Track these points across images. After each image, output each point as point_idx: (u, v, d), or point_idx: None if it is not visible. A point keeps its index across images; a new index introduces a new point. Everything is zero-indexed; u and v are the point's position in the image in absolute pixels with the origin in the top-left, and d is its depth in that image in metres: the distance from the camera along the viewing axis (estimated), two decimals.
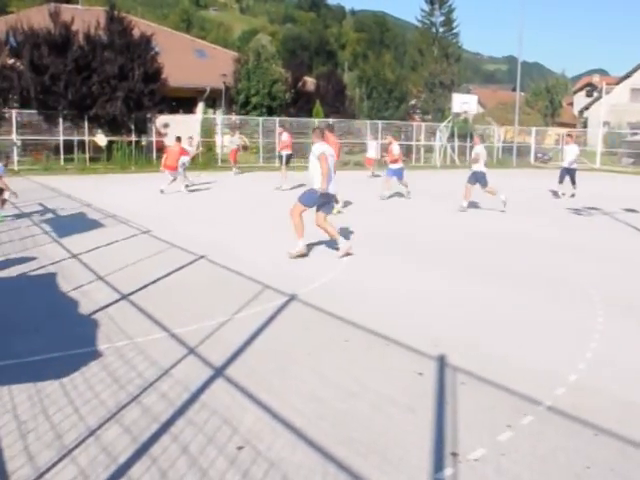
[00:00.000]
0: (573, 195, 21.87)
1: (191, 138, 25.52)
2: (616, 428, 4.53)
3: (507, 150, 47.15)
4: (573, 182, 22.16)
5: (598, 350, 6.22)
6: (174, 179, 20.77)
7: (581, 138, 55.26)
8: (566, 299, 8.28)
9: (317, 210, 10.79)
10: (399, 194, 21.05)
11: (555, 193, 22.44)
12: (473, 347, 6.24)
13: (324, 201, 10.80)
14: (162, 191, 20.20)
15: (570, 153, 22.54)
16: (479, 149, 18.17)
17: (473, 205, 18.39)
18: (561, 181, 22.38)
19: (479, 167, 17.72)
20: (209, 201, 19.19)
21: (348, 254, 10.63)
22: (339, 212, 15.58)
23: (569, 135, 26.36)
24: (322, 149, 10.58)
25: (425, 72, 54.02)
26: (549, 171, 38.21)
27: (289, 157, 23.56)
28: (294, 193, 15.11)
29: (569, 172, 22.24)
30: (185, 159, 21.71)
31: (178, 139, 22.01)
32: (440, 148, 41.95)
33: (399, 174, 20.42)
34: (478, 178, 17.62)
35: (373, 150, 32.36)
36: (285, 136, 23.57)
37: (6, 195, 14.18)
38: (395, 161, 20.27)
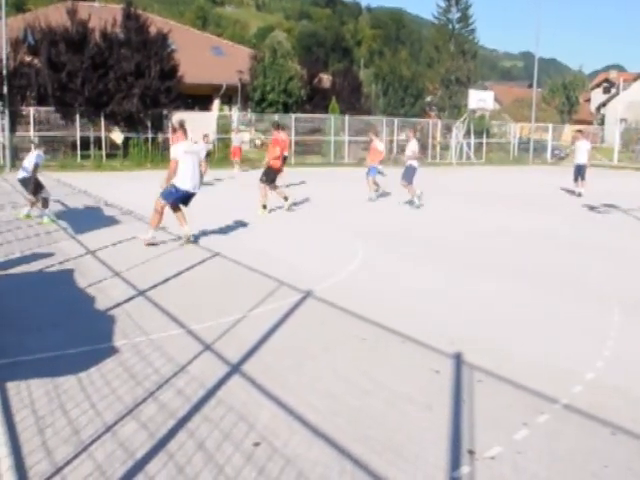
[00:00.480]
0: (580, 194, 21.64)
1: (206, 136, 25.53)
2: (633, 427, 4.51)
3: (523, 147, 46.95)
4: (583, 178, 22.01)
5: (615, 348, 6.18)
6: None
7: (598, 135, 55.02)
8: (583, 297, 8.24)
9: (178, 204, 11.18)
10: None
11: (572, 192, 22.24)
12: (490, 345, 6.22)
13: (186, 198, 11.23)
14: None
15: (581, 149, 22.36)
16: (414, 145, 17.96)
17: (486, 203, 18.31)
18: (576, 179, 22.21)
19: (414, 162, 17.73)
20: (224, 197, 19.22)
21: (152, 244, 11.01)
22: (290, 209, 15.91)
23: (579, 131, 26.10)
24: (176, 150, 11.13)
25: (441, 69, 53.79)
26: (565, 168, 38.04)
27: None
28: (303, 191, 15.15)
29: (580, 168, 22.09)
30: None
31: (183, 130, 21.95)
32: (456, 145, 41.79)
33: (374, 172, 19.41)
34: (408, 171, 17.59)
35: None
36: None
37: (44, 193, 14.04)
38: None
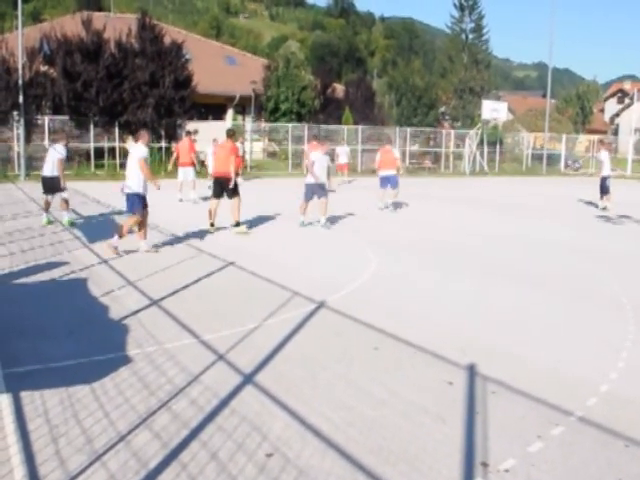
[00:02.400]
0: (599, 207, 20.86)
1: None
2: None
3: (537, 157, 46.82)
4: (602, 192, 20.92)
5: (630, 360, 6.14)
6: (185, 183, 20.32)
7: (612, 145, 54.79)
8: (597, 307, 8.20)
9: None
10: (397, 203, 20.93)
11: (604, 208, 20.72)
12: (503, 356, 6.20)
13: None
14: (181, 200, 20.04)
15: (607, 160, 21.30)
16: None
17: (496, 211, 18.27)
18: (603, 191, 20.98)
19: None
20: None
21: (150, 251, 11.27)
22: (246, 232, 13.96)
23: (601, 141, 25.07)
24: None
25: (455, 79, 53.82)
26: (579, 179, 37.92)
27: None
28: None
29: (604, 180, 20.87)
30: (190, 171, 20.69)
31: (187, 133, 22.05)
32: (469, 155, 41.74)
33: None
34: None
35: (345, 156, 30.33)
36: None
37: (66, 194, 14.20)
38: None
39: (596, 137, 52.29)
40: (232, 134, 14.57)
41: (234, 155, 13.82)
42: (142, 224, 11.47)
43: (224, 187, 13.66)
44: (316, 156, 14.48)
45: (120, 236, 11.14)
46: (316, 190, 14.50)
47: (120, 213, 16.60)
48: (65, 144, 14.68)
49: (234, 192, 13.69)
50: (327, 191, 14.79)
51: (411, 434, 4.51)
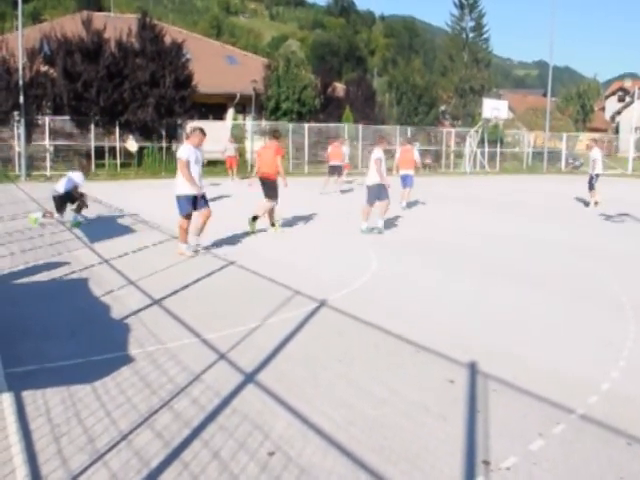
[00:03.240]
0: (588, 204, 21.17)
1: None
2: None
3: (537, 156, 46.84)
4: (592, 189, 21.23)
5: (631, 358, 6.14)
6: None
7: (613, 143, 54.78)
8: (598, 307, 8.20)
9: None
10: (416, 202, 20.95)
11: (596, 203, 21.13)
12: (504, 354, 6.20)
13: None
14: None
15: (598, 158, 21.55)
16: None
17: (496, 210, 18.27)
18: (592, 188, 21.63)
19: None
20: (238, 206, 19.23)
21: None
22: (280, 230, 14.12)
23: (594, 140, 25.30)
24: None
25: (455, 77, 53.89)
26: (580, 177, 37.92)
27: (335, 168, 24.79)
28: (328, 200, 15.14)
29: (593, 178, 21.24)
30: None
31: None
32: (470, 154, 41.74)
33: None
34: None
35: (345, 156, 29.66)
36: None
37: (86, 199, 14.66)
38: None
39: (597, 136, 52.32)
40: (277, 135, 14.47)
41: (280, 156, 13.84)
42: (199, 224, 11.21)
43: (265, 187, 13.71)
44: (381, 154, 14.06)
45: (182, 242, 11.04)
46: (381, 191, 13.97)
47: (120, 212, 16.64)
48: (83, 173, 15.28)
49: (272, 193, 13.62)
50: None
51: (412, 433, 4.52)
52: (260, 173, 13.86)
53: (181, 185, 10.83)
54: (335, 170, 24.76)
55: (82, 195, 14.53)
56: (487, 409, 4.89)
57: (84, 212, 14.81)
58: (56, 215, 14.36)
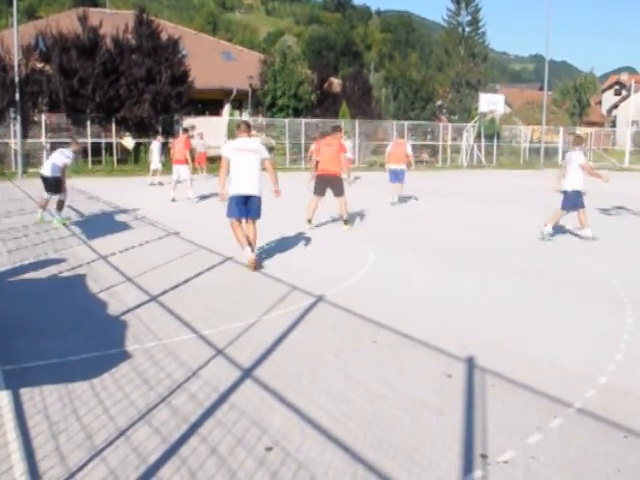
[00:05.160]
0: None
1: (202, 133, 25.50)
2: None
3: (534, 150, 46.82)
4: None
5: (628, 352, 6.15)
6: (180, 180, 19.42)
7: (609, 137, 54.81)
8: (594, 300, 8.20)
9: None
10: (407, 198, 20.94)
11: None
12: (502, 348, 6.21)
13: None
14: (174, 200, 18.96)
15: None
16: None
17: (493, 204, 18.28)
18: None
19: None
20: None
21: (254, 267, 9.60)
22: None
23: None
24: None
25: (452, 72, 53.78)
26: None
27: None
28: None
29: None
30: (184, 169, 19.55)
31: (185, 130, 21.95)
32: (467, 148, 41.74)
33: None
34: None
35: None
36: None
37: (62, 196, 14.08)
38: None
39: (594, 130, 52.33)
40: (339, 129, 14.13)
41: (343, 152, 13.63)
42: (247, 232, 9.87)
43: (332, 186, 13.55)
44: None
45: (244, 247, 9.74)
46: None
47: (117, 208, 16.63)
48: (74, 150, 14.56)
49: (341, 190, 13.56)
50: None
51: (410, 427, 4.52)
52: (321, 170, 13.64)
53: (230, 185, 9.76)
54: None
55: (63, 185, 14.00)
56: (485, 403, 4.90)
57: (81, 210, 14.72)
58: (45, 195, 14.11)
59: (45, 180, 13.96)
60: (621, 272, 9.89)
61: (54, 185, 13.80)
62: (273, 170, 9.75)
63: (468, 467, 3.98)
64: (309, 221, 13.68)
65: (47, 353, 5.89)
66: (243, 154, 9.56)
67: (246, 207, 9.60)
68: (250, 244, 9.67)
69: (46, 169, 14.01)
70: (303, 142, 36.62)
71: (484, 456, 4.10)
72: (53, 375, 5.34)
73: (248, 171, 9.54)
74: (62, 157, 13.79)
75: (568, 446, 4.27)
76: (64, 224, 13.78)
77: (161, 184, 23.43)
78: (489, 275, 9.60)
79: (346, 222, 13.85)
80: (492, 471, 3.93)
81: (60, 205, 14.04)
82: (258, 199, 9.67)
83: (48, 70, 30.95)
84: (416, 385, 5.25)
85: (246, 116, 39.49)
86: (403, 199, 19.60)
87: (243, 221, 9.81)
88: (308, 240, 12.35)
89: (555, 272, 9.89)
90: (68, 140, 29.07)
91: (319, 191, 13.68)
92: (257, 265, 9.60)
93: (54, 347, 6.06)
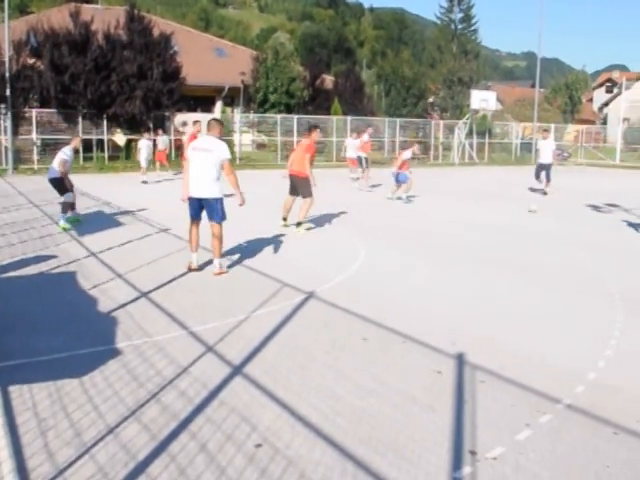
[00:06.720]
0: (545, 193, 21.72)
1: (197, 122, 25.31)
2: (636, 427, 4.51)
3: (525, 147, 46.83)
4: (548, 179, 22.00)
5: (618, 348, 6.18)
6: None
7: (601, 134, 54.92)
8: (585, 296, 8.23)
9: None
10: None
11: (542, 191, 22.10)
12: (492, 344, 6.22)
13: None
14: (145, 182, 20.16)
15: (546, 149, 22.39)
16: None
17: (490, 202, 18.32)
18: (537, 177, 22.33)
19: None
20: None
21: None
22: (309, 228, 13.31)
23: (545, 130, 25.88)
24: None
25: (444, 69, 53.74)
26: (567, 168, 38.06)
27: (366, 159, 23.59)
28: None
29: (545, 168, 22.11)
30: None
31: (195, 122, 21.56)
32: (459, 145, 41.76)
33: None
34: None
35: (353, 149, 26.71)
36: (366, 137, 23.90)
37: (66, 197, 13.36)
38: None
39: (585, 127, 52.45)
40: (314, 129, 13.64)
41: (310, 153, 12.94)
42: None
43: (298, 186, 13.05)
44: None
45: (190, 252, 9.43)
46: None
47: (108, 205, 16.58)
48: (75, 146, 14.07)
49: (305, 192, 12.99)
50: None
51: (400, 423, 4.53)
52: (290, 170, 13.28)
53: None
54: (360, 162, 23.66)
55: (70, 184, 13.50)
56: (474, 399, 4.91)
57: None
58: (62, 198, 13.38)
59: (50, 183, 13.50)
60: (613, 268, 9.93)
61: (57, 186, 13.38)
62: (231, 173, 9.11)
63: (457, 463, 3.99)
64: (284, 219, 13.45)
65: (37, 350, 5.87)
66: (197, 154, 9.12)
67: (204, 210, 9.24)
68: (197, 249, 9.38)
69: (49, 172, 13.58)
70: (295, 139, 36.55)
71: (473, 452, 4.11)
72: (42, 372, 5.33)
73: (199, 172, 9.05)
74: (60, 156, 13.34)
75: (557, 442, 4.29)
76: (65, 229, 12.82)
77: (146, 182, 23.33)
78: (479, 271, 9.61)
79: (299, 224, 13.13)
80: (481, 467, 3.95)
81: (64, 207, 13.34)
82: (214, 201, 9.12)
83: (39, 66, 30.77)
84: (406, 381, 5.26)
85: (238, 113, 39.38)
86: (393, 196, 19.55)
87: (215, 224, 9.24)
88: (299, 237, 12.34)
89: (544, 268, 9.91)
90: (59, 137, 29.20)
91: (291, 190, 13.33)
92: (196, 269, 9.29)
93: (44, 344, 6.04)
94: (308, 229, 13.17)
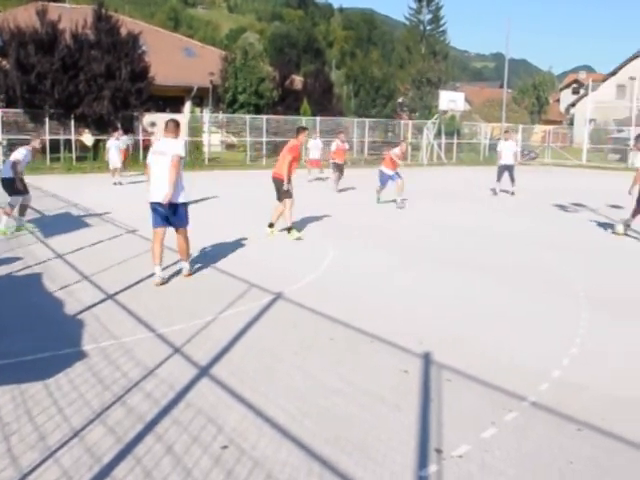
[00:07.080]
0: (513, 193, 21.86)
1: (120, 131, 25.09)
2: (600, 423, 4.56)
3: (494, 148, 47.08)
4: (512, 179, 22.08)
5: (582, 346, 6.25)
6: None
7: (567, 135, 55.55)
8: (551, 295, 8.32)
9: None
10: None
11: (494, 191, 22.25)
12: (458, 344, 6.26)
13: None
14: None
15: (507, 150, 22.40)
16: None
17: (458, 203, 18.44)
18: (499, 179, 22.24)
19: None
20: (196, 202, 19.11)
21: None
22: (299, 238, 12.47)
23: (506, 131, 26.08)
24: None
25: (413, 70, 53.99)
26: (534, 168, 38.42)
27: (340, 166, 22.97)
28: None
29: (507, 169, 22.11)
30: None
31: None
32: (427, 146, 41.97)
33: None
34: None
35: (317, 150, 27.13)
36: (333, 146, 23.52)
37: (25, 200, 12.98)
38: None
39: (551, 127, 52.99)
40: (301, 130, 12.87)
41: (291, 155, 12.24)
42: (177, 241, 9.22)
43: (275, 188, 12.47)
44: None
45: (154, 264, 8.85)
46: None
47: (75, 206, 16.43)
48: (34, 147, 13.18)
49: (284, 194, 12.31)
50: None
51: (367, 423, 4.54)
52: (273, 173, 12.67)
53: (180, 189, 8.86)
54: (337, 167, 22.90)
55: (23, 186, 12.76)
56: (441, 398, 4.94)
57: (37, 207, 14.26)
58: (9, 199, 12.86)
59: (1, 183, 12.89)
60: (579, 268, 10.04)
61: (8, 187, 12.74)
62: (173, 169, 8.48)
63: (423, 462, 4.01)
64: (271, 225, 13.02)
65: (0, 353, 5.80)
66: (156, 158, 8.72)
67: (168, 215, 8.80)
68: (161, 261, 8.86)
69: (3, 171, 13.05)
70: (265, 139, 36.48)
71: (439, 451, 4.14)
72: (6, 376, 5.26)
73: (157, 176, 8.61)
74: (15, 155, 12.70)
75: (522, 440, 4.33)
76: (4, 232, 12.29)
77: (121, 184, 23.07)
78: (445, 271, 9.67)
79: (271, 225, 12.76)
80: (447, 465, 3.98)
81: (23, 210, 13.01)
82: (176, 206, 8.73)
83: (5, 65, 30.44)
84: (373, 381, 5.28)
85: (207, 113, 39.21)
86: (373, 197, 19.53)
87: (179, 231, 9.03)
88: (266, 238, 12.32)
89: (510, 267, 9.99)
90: (25, 137, 28.77)
91: (276, 195, 12.69)
92: (164, 282, 8.73)
93: (7, 347, 5.97)
94: (297, 239, 12.37)
